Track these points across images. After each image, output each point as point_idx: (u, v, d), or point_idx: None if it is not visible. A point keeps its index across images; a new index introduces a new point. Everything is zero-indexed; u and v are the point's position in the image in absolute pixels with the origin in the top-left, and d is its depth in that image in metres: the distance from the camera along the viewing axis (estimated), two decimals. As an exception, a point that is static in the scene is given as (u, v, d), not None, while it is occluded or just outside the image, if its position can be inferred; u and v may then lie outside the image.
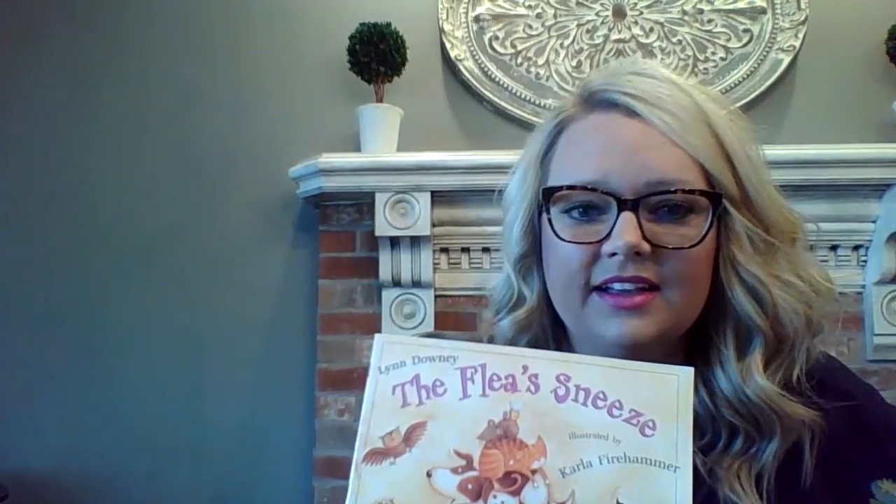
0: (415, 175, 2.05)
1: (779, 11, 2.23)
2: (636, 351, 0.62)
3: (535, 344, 0.71)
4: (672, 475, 0.47)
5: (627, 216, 0.62)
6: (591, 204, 0.65)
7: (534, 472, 0.47)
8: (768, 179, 0.67)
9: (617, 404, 0.49)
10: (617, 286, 0.63)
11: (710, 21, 2.25)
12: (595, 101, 0.68)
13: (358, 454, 0.49)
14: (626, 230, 0.61)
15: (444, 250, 2.15)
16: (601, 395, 0.49)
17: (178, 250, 2.28)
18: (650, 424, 0.48)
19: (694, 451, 0.56)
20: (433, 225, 2.09)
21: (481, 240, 2.12)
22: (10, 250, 2.30)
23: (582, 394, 0.49)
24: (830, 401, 0.65)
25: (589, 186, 0.64)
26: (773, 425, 0.63)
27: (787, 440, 0.64)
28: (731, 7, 2.25)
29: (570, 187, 0.65)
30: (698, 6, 2.25)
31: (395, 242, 2.09)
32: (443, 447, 0.48)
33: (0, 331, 2.28)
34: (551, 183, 0.68)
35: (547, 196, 0.66)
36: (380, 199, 2.06)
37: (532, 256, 0.71)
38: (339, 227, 2.18)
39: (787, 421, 0.63)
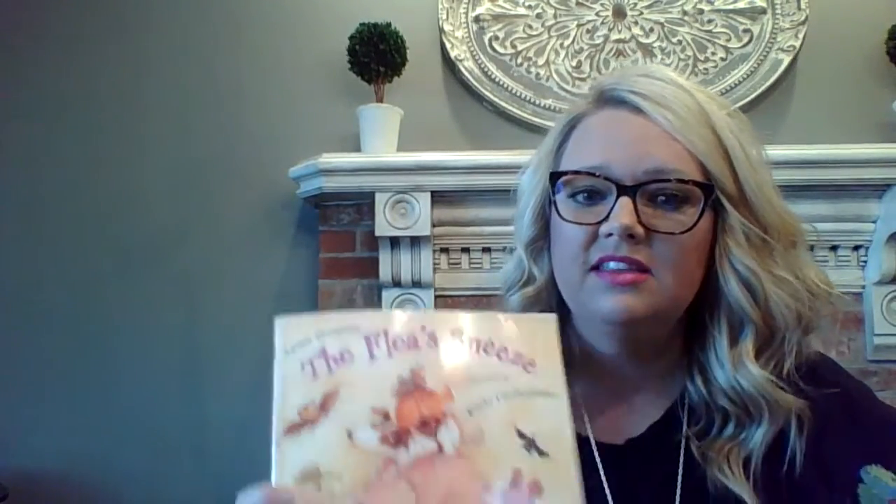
0: (415, 175, 2.05)
1: (779, 11, 2.23)
2: (632, 328, 0.69)
3: None
4: (555, 401, 0.54)
5: (625, 201, 0.66)
6: (594, 189, 0.69)
7: (445, 414, 0.52)
8: (768, 181, 0.71)
9: (503, 350, 0.55)
10: (612, 265, 0.67)
11: (710, 21, 2.25)
12: (605, 99, 0.73)
13: (277, 432, 0.51)
14: (622, 213, 0.66)
15: (444, 250, 2.15)
16: (490, 343, 0.55)
17: (179, 250, 2.28)
18: (531, 363, 0.55)
19: (688, 437, 0.70)
20: (433, 225, 2.09)
21: (481, 240, 2.12)
22: (10, 251, 2.30)
23: (475, 344, 0.55)
24: (820, 389, 0.69)
25: (591, 172, 0.68)
26: (762, 411, 0.67)
27: (774, 426, 0.68)
28: (731, 7, 2.25)
29: (575, 172, 0.70)
30: (698, 6, 2.25)
31: (395, 242, 2.09)
32: (359, 407, 0.51)
33: (0, 331, 2.28)
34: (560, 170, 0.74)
35: (553, 180, 0.71)
36: (380, 199, 2.06)
37: (542, 240, 0.75)
38: (339, 227, 2.18)
39: (775, 407, 0.67)
